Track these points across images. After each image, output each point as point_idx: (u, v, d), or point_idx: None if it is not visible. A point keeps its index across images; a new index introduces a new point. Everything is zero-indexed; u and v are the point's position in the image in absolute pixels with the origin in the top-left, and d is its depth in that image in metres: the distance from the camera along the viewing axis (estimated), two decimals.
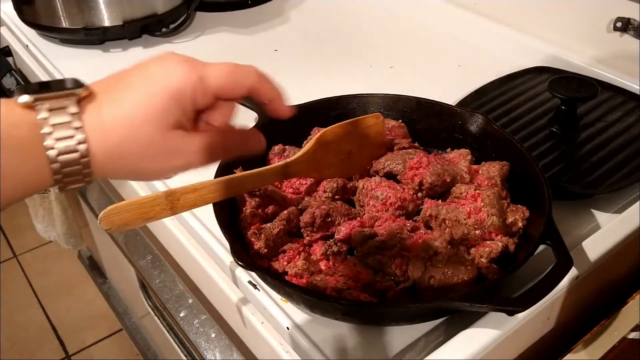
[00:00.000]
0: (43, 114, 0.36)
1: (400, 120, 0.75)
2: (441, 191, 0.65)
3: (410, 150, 0.70)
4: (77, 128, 0.37)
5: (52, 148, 0.36)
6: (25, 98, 0.36)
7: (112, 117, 0.38)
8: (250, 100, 0.84)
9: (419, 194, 0.65)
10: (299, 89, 0.90)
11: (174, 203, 0.50)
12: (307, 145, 0.66)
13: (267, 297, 0.58)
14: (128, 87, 0.39)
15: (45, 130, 0.36)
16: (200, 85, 0.40)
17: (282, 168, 0.63)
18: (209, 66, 0.42)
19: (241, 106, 0.85)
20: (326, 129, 0.67)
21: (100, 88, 0.40)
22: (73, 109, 0.37)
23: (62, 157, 0.37)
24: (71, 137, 0.37)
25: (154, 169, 0.41)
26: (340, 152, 0.68)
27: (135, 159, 0.39)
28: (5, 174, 0.35)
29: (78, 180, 0.39)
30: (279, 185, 0.68)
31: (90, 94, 0.39)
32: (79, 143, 0.37)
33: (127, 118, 0.38)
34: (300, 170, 0.65)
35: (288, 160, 0.64)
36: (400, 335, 0.56)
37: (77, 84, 0.39)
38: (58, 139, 0.37)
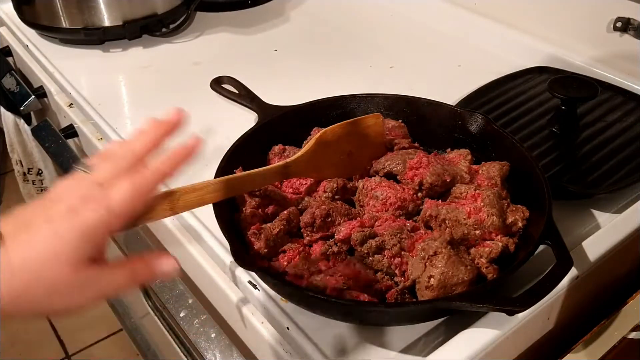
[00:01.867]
0: None
1: (400, 120, 0.75)
2: (441, 191, 0.65)
3: (410, 150, 0.70)
4: None
5: None
6: None
7: (20, 260, 0.38)
8: (250, 101, 0.84)
9: (419, 194, 0.65)
10: (299, 89, 0.90)
11: (174, 203, 0.50)
12: (307, 145, 0.66)
13: (267, 297, 0.58)
14: (35, 229, 0.39)
15: None
16: (109, 218, 0.41)
17: (282, 168, 0.63)
18: (112, 193, 0.41)
19: (241, 106, 0.85)
20: (326, 129, 0.67)
21: (6, 230, 0.39)
22: None
23: None
24: None
25: (65, 304, 0.40)
26: (340, 152, 0.68)
27: (44, 298, 0.39)
28: None
29: None
30: (279, 185, 0.68)
31: None
32: None
33: (36, 259, 0.38)
34: (300, 170, 0.65)
35: (288, 160, 0.64)
36: (400, 335, 0.56)
37: None
38: None
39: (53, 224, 0.39)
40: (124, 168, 0.43)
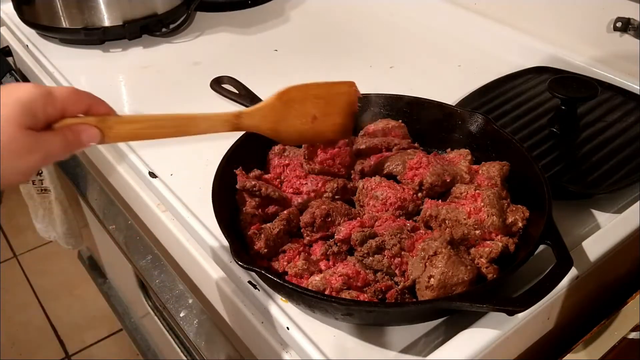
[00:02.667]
0: None
1: (400, 120, 0.75)
2: (441, 191, 0.65)
3: (409, 150, 0.70)
4: None
5: None
6: None
7: None
8: (250, 101, 0.84)
9: (419, 194, 0.65)
10: None
11: (105, 131, 0.50)
12: (267, 99, 0.61)
13: (267, 297, 0.58)
14: None
15: None
16: (49, 97, 0.47)
17: (233, 117, 0.58)
18: (54, 87, 0.49)
19: (241, 106, 0.85)
20: (292, 85, 0.62)
21: None
22: None
23: None
24: None
25: (16, 167, 0.46)
26: (303, 114, 0.63)
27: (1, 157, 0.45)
28: None
29: None
30: (279, 185, 0.68)
31: None
32: None
33: None
34: (254, 123, 0.60)
35: (242, 110, 0.59)
36: (400, 335, 0.56)
37: None
38: None
39: (2, 96, 0.45)
40: None
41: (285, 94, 0.61)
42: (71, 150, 0.49)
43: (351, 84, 0.66)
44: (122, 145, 0.81)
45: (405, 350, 0.55)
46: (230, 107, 0.87)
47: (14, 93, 0.46)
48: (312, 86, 0.63)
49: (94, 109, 0.51)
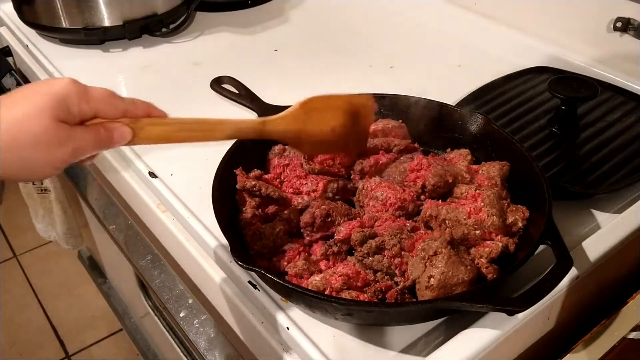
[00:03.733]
0: None
1: (400, 120, 0.75)
2: (443, 192, 0.65)
3: (402, 157, 0.70)
4: None
5: None
6: None
7: (11, 115, 0.45)
8: (250, 101, 0.84)
9: (422, 197, 0.65)
10: (298, 89, 0.90)
11: (137, 132, 0.51)
12: (291, 108, 0.62)
13: (267, 297, 0.58)
14: (22, 92, 0.46)
15: None
16: (84, 95, 0.48)
17: (259, 124, 0.60)
18: (92, 86, 0.49)
19: (241, 106, 0.85)
20: (314, 96, 0.63)
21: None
22: None
23: None
24: None
25: (46, 159, 0.46)
26: (324, 125, 0.64)
27: (30, 148, 0.45)
28: None
29: None
30: (279, 185, 0.68)
31: None
32: None
33: (23, 113, 0.45)
34: (278, 131, 0.61)
35: (267, 118, 0.61)
36: (400, 335, 0.56)
37: None
38: None
39: (37, 87, 0.46)
40: None
41: (307, 104, 0.62)
42: (102, 147, 0.49)
43: (369, 98, 0.67)
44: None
45: (405, 350, 0.55)
46: (231, 107, 0.87)
47: (51, 86, 0.46)
48: (332, 97, 0.64)
49: (130, 114, 0.50)
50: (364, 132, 0.68)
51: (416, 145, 0.73)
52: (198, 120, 0.55)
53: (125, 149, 0.79)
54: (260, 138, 0.61)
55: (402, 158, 0.70)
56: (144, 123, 0.51)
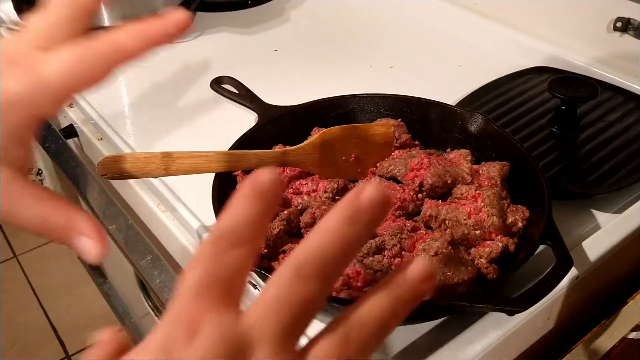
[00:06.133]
0: None
1: (399, 120, 0.75)
2: (442, 192, 0.65)
3: (412, 152, 0.70)
4: None
5: None
6: None
7: None
8: (250, 101, 0.84)
9: (420, 195, 0.65)
10: (298, 89, 0.90)
11: (169, 164, 0.53)
12: (311, 138, 0.66)
13: None
14: None
15: None
16: (37, 91, 0.31)
17: (280, 154, 0.64)
18: (48, 60, 0.32)
19: (241, 106, 0.85)
20: (333, 127, 0.67)
21: None
22: None
23: None
24: None
25: None
26: (345, 154, 0.68)
27: None
28: None
29: None
30: None
31: None
32: None
33: None
34: (299, 160, 0.65)
35: (288, 148, 0.65)
36: (400, 335, 0.56)
37: None
38: None
39: None
40: (69, 30, 0.34)
41: (327, 134, 0.66)
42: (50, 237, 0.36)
43: (389, 126, 0.70)
44: (121, 145, 0.81)
45: (405, 350, 0.55)
46: (231, 107, 0.87)
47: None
48: (351, 127, 0.68)
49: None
50: (385, 157, 0.70)
51: (416, 142, 0.73)
52: (224, 152, 0.59)
53: (124, 148, 0.79)
54: (282, 166, 0.66)
55: (412, 151, 0.70)
56: (176, 156, 0.54)
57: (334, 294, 0.54)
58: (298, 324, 0.26)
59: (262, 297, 0.25)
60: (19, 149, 0.33)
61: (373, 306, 0.27)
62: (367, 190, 0.25)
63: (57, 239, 0.34)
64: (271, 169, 0.26)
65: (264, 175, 0.25)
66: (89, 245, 0.34)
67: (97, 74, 0.34)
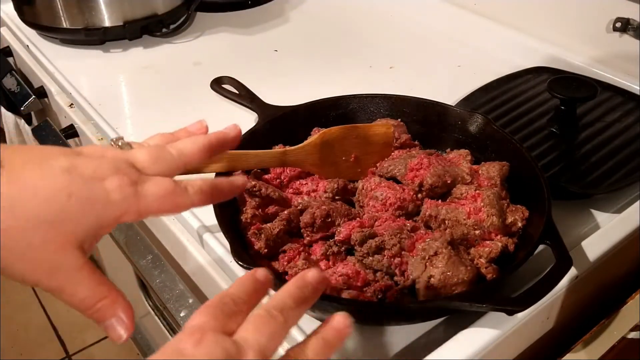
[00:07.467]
0: None
1: (399, 120, 0.75)
2: (442, 192, 0.65)
3: (412, 152, 0.70)
4: None
5: None
6: None
7: (16, 193, 0.34)
8: (250, 101, 0.84)
9: (419, 195, 0.65)
10: (299, 89, 0.91)
11: None
12: (311, 138, 0.67)
13: (267, 297, 0.58)
14: (47, 167, 0.34)
15: None
16: (131, 216, 0.36)
17: (280, 154, 0.64)
18: (148, 184, 0.37)
19: (241, 106, 0.85)
20: (333, 127, 0.67)
21: (10, 158, 0.34)
22: None
23: None
24: None
25: (23, 270, 0.36)
26: (344, 154, 0.68)
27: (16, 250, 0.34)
28: None
29: None
30: (279, 185, 0.68)
31: None
32: None
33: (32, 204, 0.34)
34: (299, 160, 0.66)
35: (288, 148, 0.65)
36: (400, 335, 0.56)
37: None
38: None
39: (71, 174, 0.34)
40: (168, 165, 0.41)
41: (326, 134, 0.67)
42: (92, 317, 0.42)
43: (388, 126, 0.70)
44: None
45: (405, 350, 0.55)
46: (231, 107, 0.87)
47: (99, 182, 0.35)
48: (351, 127, 0.68)
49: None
50: (385, 158, 0.71)
51: (416, 142, 0.73)
52: (223, 152, 0.59)
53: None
54: (282, 166, 0.66)
55: (412, 151, 0.70)
56: None
57: (334, 294, 0.54)
58: (272, 341, 0.36)
59: (248, 323, 0.36)
60: (94, 242, 0.37)
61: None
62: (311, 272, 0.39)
63: (95, 318, 0.39)
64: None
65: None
66: (121, 326, 0.38)
67: (178, 209, 0.41)
